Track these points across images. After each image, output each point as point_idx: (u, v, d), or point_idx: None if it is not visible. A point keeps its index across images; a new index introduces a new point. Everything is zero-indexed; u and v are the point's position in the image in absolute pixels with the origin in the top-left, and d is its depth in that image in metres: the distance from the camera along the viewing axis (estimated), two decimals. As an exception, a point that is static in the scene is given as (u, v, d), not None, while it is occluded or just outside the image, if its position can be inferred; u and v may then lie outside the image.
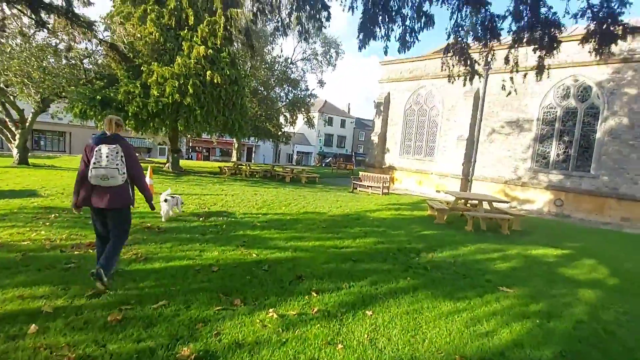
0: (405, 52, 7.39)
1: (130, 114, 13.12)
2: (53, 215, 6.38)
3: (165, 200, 6.75)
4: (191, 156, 41.51)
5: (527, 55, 15.41)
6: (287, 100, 25.89)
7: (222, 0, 14.08)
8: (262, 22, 6.57)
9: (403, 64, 18.99)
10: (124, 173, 3.45)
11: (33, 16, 6.94)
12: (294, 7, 6.45)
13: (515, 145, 15.25)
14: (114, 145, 3.41)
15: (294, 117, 26.90)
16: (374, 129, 20.15)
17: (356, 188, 15.81)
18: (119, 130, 3.62)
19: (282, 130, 26.75)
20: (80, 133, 34.46)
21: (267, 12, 6.60)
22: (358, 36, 6.94)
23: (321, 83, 25.60)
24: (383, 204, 11.82)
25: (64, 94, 13.50)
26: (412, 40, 6.96)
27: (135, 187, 3.74)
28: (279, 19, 6.73)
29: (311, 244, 6.00)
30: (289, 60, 24.87)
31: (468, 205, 10.65)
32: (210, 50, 14.30)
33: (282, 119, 26.17)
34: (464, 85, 9.74)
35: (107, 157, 3.33)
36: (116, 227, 3.61)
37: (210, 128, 15.43)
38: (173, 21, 14.65)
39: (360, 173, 16.35)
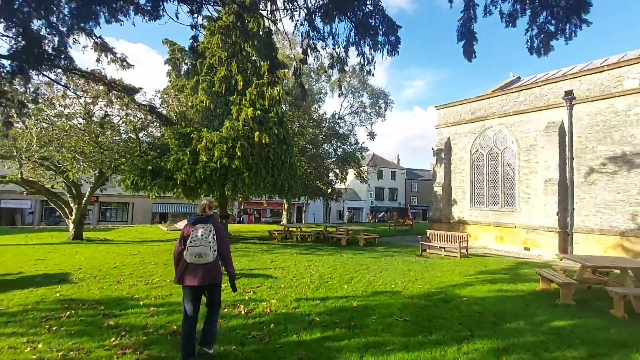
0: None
1: (178, 181, 12.68)
2: (67, 314, 5.17)
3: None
4: (242, 219, 41.66)
5: (621, 79, 13.00)
6: (337, 156, 25.05)
7: (269, 64, 13.94)
8: (313, 58, 5.42)
9: (462, 106, 17.28)
10: (214, 250, 3.70)
11: (66, 83, 6.79)
12: (353, 35, 5.16)
13: (628, 185, 12.11)
14: (208, 225, 3.73)
15: (344, 173, 25.77)
16: (436, 178, 18.01)
17: (425, 250, 13.40)
18: (211, 210, 3.92)
19: (333, 187, 25.56)
20: (142, 203, 36.41)
21: (317, 47, 5.41)
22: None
23: (372, 135, 24.61)
24: (469, 273, 9.33)
25: (122, 166, 13.63)
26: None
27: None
28: (334, 52, 5.51)
29: (398, 357, 3.98)
30: (337, 116, 24.53)
31: (597, 274, 7.80)
32: (258, 112, 13.94)
33: (331, 176, 25.16)
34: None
35: (201, 235, 3.65)
36: (210, 301, 3.82)
37: (259, 190, 14.56)
38: (223, 88, 14.79)
39: (428, 231, 14.01)
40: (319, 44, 5.27)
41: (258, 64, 16.28)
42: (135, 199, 35.49)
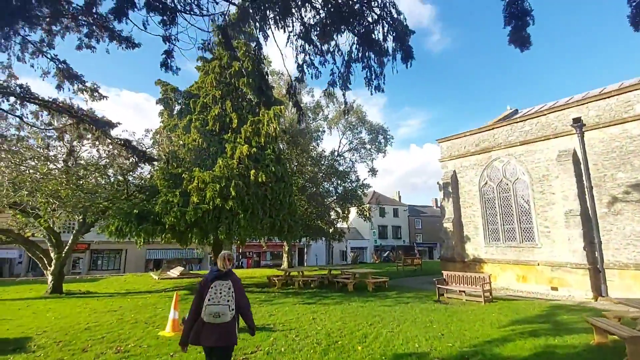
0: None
1: (167, 225, 11.58)
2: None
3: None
4: (241, 263, 39.68)
5: (631, 103, 12.48)
6: (337, 194, 24.11)
7: (264, 100, 13.44)
8: (310, 75, 4.64)
9: (465, 138, 16.68)
10: (233, 309, 3.50)
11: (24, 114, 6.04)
12: (356, 48, 4.40)
13: (659, 215, 11.08)
14: (227, 281, 3.53)
15: (346, 212, 24.68)
16: (445, 214, 16.94)
17: (443, 294, 11.98)
18: (231, 263, 3.73)
19: (335, 226, 24.31)
20: (135, 250, 34.65)
21: (315, 63, 4.64)
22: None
23: (373, 171, 23.84)
24: (502, 323, 7.96)
25: (109, 212, 12.57)
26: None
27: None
28: (334, 68, 4.75)
29: None
30: (336, 153, 23.96)
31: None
32: (254, 149, 13.21)
33: (333, 215, 24.04)
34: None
35: (220, 293, 3.45)
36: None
37: (256, 232, 13.40)
38: (217, 126, 14.21)
39: (444, 272, 12.68)
40: (317, 60, 4.52)
41: (253, 102, 15.89)
42: (128, 245, 33.80)
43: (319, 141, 23.34)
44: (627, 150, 11.79)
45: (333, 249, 44.91)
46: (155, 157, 11.55)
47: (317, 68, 4.51)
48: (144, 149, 12.96)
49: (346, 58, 4.31)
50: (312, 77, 4.64)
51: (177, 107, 15.47)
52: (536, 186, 13.90)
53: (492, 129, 15.58)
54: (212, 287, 3.46)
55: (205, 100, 14.71)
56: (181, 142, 13.26)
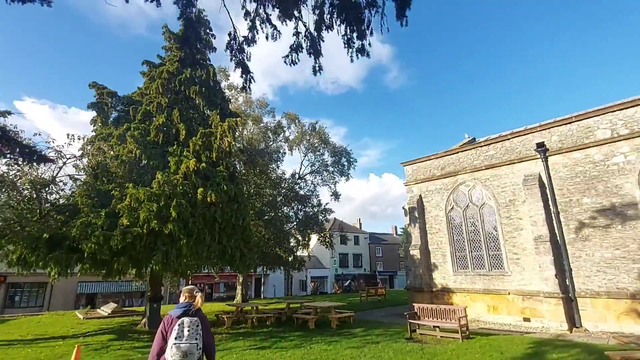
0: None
1: (85, 254, 9.30)
2: None
3: None
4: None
5: (592, 129, 12.68)
6: (298, 220, 22.53)
7: (218, 112, 11.94)
8: (266, 36, 3.32)
9: (430, 161, 16.23)
10: (200, 348, 3.31)
11: None
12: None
13: (625, 239, 10.88)
14: (195, 318, 3.35)
15: (307, 239, 23.07)
16: (411, 240, 16.03)
17: (415, 330, 10.69)
18: (194, 300, 3.48)
19: (295, 254, 22.50)
20: (63, 283, 29.80)
21: (272, 19, 3.34)
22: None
23: (336, 195, 22.64)
24: (491, 368, 6.76)
25: (7, 236, 9.95)
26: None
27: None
28: (299, 27, 3.45)
29: None
30: (297, 176, 22.60)
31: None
32: (203, 164, 11.49)
33: (293, 242, 22.30)
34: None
35: (188, 331, 3.25)
36: None
37: (201, 261, 11.37)
38: (161, 137, 12.37)
39: (416, 305, 11.46)
40: (274, 14, 3.22)
41: (206, 114, 14.30)
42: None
43: (279, 162, 21.98)
44: (590, 175, 11.74)
45: (292, 279, 42.46)
46: (51, 158, 9.42)
47: (274, 26, 3.23)
48: (64, 155, 10.78)
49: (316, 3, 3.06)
50: (268, 38, 3.35)
51: (114, 115, 13.42)
52: (503, 211, 13.48)
53: (458, 152, 15.26)
54: (178, 325, 3.27)
55: (148, 108, 12.88)
56: (114, 154, 11.19)
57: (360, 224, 57.19)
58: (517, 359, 7.43)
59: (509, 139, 13.71)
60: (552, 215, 12.17)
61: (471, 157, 14.75)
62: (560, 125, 12.64)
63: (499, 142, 14.00)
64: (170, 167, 11.28)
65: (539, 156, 12.70)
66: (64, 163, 10.85)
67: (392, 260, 56.76)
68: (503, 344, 9.04)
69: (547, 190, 12.41)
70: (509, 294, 12.78)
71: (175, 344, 3.20)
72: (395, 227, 64.72)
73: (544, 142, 12.83)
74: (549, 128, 12.90)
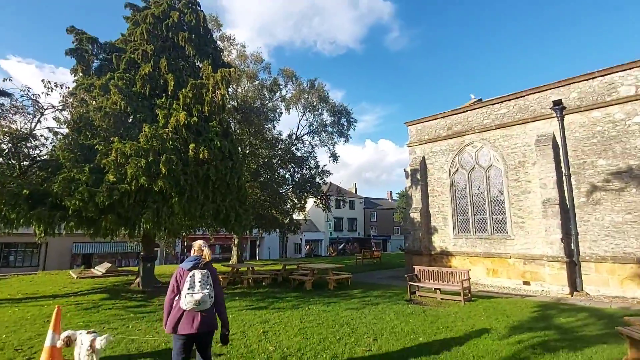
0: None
1: (70, 211, 8.67)
2: None
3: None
4: (185, 257, 36.15)
5: (615, 85, 11.82)
6: (294, 182, 21.94)
7: (210, 62, 10.84)
8: None
9: (436, 121, 15.41)
10: (212, 297, 3.53)
11: None
12: None
13: (639, 203, 10.47)
14: (205, 271, 3.56)
15: (303, 202, 22.63)
16: (412, 203, 15.60)
17: (415, 292, 10.48)
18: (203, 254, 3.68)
19: (291, 217, 22.17)
20: (58, 243, 29.78)
21: None
22: None
23: (334, 157, 21.85)
24: (500, 332, 6.45)
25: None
26: None
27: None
28: None
29: None
30: (294, 137, 21.69)
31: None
32: (194, 119, 10.61)
33: (289, 205, 21.85)
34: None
35: (199, 282, 3.46)
36: (203, 349, 3.63)
37: (194, 221, 10.84)
38: (147, 89, 11.33)
39: (416, 267, 11.19)
40: None
41: (196, 65, 13.14)
42: (49, 238, 28.94)
43: (275, 122, 20.93)
44: (609, 136, 11.08)
45: (287, 242, 42.84)
46: (6, 92, 8.53)
47: None
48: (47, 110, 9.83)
49: None
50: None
51: (96, 64, 12.22)
52: (511, 173, 12.93)
53: (466, 111, 14.41)
54: (190, 276, 3.48)
55: (133, 56, 11.70)
56: (97, 105, 10.22)
57: (355, 188, 57.10)
58: (524, 322, 7.17)
59: (523, 96, 12.85)
60: (564, 177, 11.65)
61: (481, 116, 13.94)
62: (581, 81, 11.76)
63: (512, 99, 13.14)
64: (159, 121, 10.39)
65: (554, 115, 11.94)
66: (42, 114, 9.90)
67: (386, 225, 57.43)
68: (507, 306, 8.83)
69: (561, 152, 11.80)
70: (510, 257, 12.57)
71: (188, 293, 3.41)
72: (391, 193, 64.94)
73: (561, 99, 12.01)
74: (569, 84, 12.02)
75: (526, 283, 12.17)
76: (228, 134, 11.93)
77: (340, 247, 47.44)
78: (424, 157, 15.64)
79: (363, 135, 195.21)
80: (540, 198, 11.94)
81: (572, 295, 10.80)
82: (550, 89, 12.36)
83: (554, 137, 12.00)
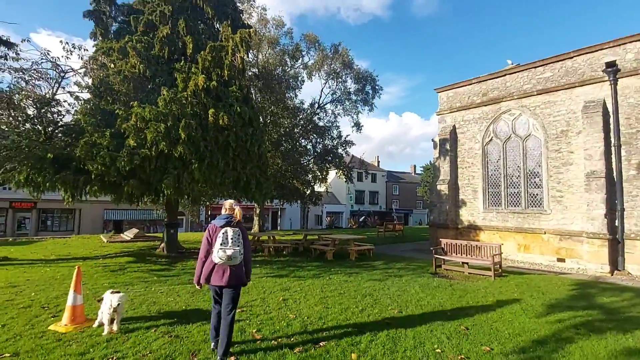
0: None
1: (93, 175, 8.69)
2: None
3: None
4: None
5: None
6: (316, 153, 21.48)
7: (229, 23, 10.26)
8: None
9: (470, 86, 14.30)
10: (242, 254, 3.73)
11: None
12: None
13: (699, 178, 9.38)
14: (237, 229, 3.75)
15: (325, 173, 22.24)
16: (439, 175, 14.88)
17: (441, 266, 10.09)
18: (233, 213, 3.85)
19: (312, 188, 21.95)
20: (91, 209, 31.31)
21: None
22: None
23: (358, 126, 21.06)
24: (537, 310, 5.99)
25: (16, 157, 9.40)
26: None
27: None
28: None
29: None
30: (316, 105, 21.00)
31: None
32: (214, 83, 10.22)
33: (310, 176, 21.55)
34: None
35: (231, 238, 3.65)
36: (229, 303, 3.72)
37: (215, 188, 10.73)
38: (166, 52, 10.96)
39: (443, 240, 10.72)
40: None
41: (215, 27, 12.57)
42: (82, 204, 30.19)
43: (297, 90, 20.23)
44: (669, 101, 9.83)
45: (308, 213, 43.12)
46: (11, 42, 8.38)
47: None
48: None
49: None
50: None
51: (115, 27, 11.91)
52: (552, 144, 11.91)
53: (504, 75, 13.23)
54: (222, 233, 3.64)
55: (151, 18, 11.28)
56: (116, 69, 10.00)
57: (378, 161, 56.06)
58: (563, 300, 6.65)
59: (571, 58, 11.56)
60: (612, 148, 10.58)
61: (521, 81, 12.76)
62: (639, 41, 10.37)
63: (558, 61, 11.87)
64: (178, 85, 10.08)
65: (606, 78, 10.70)
66: (62, 77, 9.79)
67: (408, 199, 56.55)
68: (541, 283, 8.29)
69: (611, 119, 10.65)
70: (545, 233, 11.84)
71: (221, 248, 3.59)
72: (415, 166, 63.40)
73: (615, 60, 10.70)
74: (625, 44, 10.65)
75: (560, 260, 11.49)
76: (248, 99, 11.51)
77: (361, 219, 47.29)
78: (454, 126, 14.69)
79: (387, 108, 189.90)
80: (584, 170, 10.97)
81: (612, 275, 10.07)
82: (603, 49, 11.01)
83: (604, 103, 10.81)
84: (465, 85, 14.36)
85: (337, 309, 5.83)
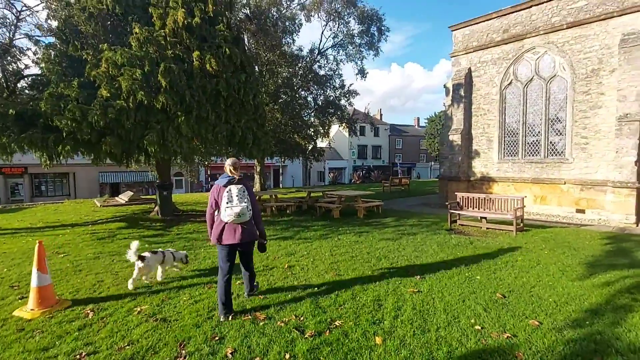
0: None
1: (65, 133, 7.63)
2: None
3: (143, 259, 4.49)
4: (212, 185, 36.54)
5: None
6: (317, 106, 20.04)
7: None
8: None
9: (490, 22, 12.64)
10: (250, 210, 3.70)
11: None
12: None
13: None
14: (241, 186, 3.70)
15: (327, 127, 20.97)
16: (452, 124, 13.72)
17: (455, 221, 9.38)
18: (237, 171, 3.78)
19: (315, 143, 20.82)
20: (85, 172, 30.45)
21: None
22: None
23: (362, 73, 19.33)
24: (576, 271, 5.28)
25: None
26: None
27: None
28: None
29: None
30: (316, 52, 19.11)
31: None
32: (196, 19, 8.74)
33: (311, 131, 20.30)
34: None
35: (237, 196, 3.62)
36: (246, 258, 4.01)
37: (207, 144, 9.69)
38: (139, -15, 9.28)
39: (458, 194, 9.91)
40: None
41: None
42: (75, 167, 29.31)
43: (294, 35, 18.28)
44: None
45: (310, 170, 42.36)
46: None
47: None
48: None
49: None
50: None
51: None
52: (580, 84, 10.65)
53: (530, 6, 11.53)
54: (227, 192, 3.61)
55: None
56: (80, 6, 8.46)
57: (380, 114, 54.19)
58: (600, 258, 5.95)
59: (612, -19, 9.91)
60: (650, 87, 9.38)
61: (549, 12, 11.14)
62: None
63: (596, -14, 10.21)
64: (155, 23, 8.61)
65: (653, 3, 9.19)
66: (18, 18, 8.32)
67: (411, 152, 55.52)
68: (568, 237, 7.60)
69: (653, 53, 9.32)
70: (565, 183, 11.02)
71: (227, 207, 3.58)
72: (418, 119, 61.50)
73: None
74: (680, -41, 8.98)
75: (580, 211, 10.80)
76: (239, 41, 10.03)
77: (364, 172, 46.55)
78: (469, 69, 13.25)
79: (389, 59, 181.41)
80: (615, 114, 9.85)
81: (637, 225, 9.40)
82: (654, -34, 9.33)
83: (647, 34, 9.39)
84: (484, 21, 12.67)
85: (350, 275, 5.13)
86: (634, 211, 9.47)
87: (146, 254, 4.58)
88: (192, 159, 11.64)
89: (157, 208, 11.02)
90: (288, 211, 12.08)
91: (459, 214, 9.33)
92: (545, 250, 6.53)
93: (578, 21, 10.55)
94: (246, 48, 11.06)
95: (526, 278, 4.92)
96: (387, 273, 5.23)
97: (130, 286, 4.50)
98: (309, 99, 20.48)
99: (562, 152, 11.24)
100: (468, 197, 9.60)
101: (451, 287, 4.60)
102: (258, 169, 19.72)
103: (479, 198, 9.38)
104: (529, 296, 4.26)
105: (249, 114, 9.89)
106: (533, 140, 11.90)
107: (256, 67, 16.63)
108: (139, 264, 4.46)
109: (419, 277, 5.01)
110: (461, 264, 5.62)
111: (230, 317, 3.61)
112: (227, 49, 8.87)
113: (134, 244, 4.45)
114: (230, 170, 3.73)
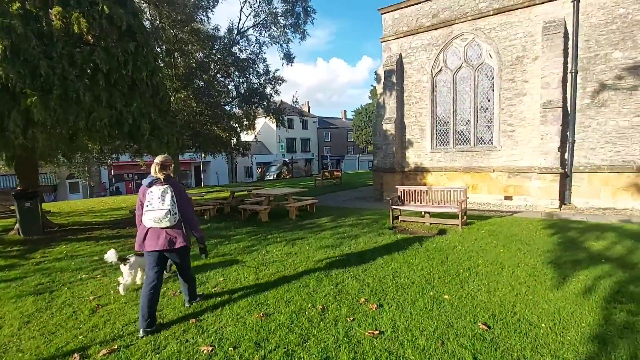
0: None
1: None
2: None
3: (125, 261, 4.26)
4: (117, 188, 31.58)
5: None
6: (240, 95, 17.92)
7: None
8: None
9: (419, 5, 12.11)
10: (175, 213, 3.38)
11: None
12: None
13: (652, 105, 8.93)
14: (165, 186, 3.38)
15: (252, 118, 18.99)
16: (385, 113, 13.03)
17: (398, 217, 8.53)
18: (166, 169, 3.46)
19: (239, 136, 18.69)
20: None
21: None
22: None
23: (288, 58, 17.62)
24: (543, 271, 4.57)
25: None
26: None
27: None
28: None
29: None
30: (235, 32, 16.86)
31: None
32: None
33: (234, 122, 18.12)
34: None
35: (158, 199, 3.31)
36: (180, 269, 3.67)
37: (80, 135, 7.20)
38: None
39: (399, 188, 9.08)
40: None
41: None
42: None
43: (208, 11, 15.84)
44: (632, 21, 8.91)
45: (237, 166, 39.59)
46: None
47: None
48: None
49: None
50: None
51: None
52: (506, 72, 10.66)
53: (459, -10, 11.23)
54: (148, 193, 3.34)
55: None
56: None
57: (308, 107, 53.29)
58: (559, 253, 5.45)
59: (534, -32, 9.94)
60: (569, 75, 9.65)
61: (476, -1, 10.94)
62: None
63: (520, -28, 10.18)
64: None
65: (570, -7, 9.38)
66: None
67: (340, 145, 55.98)
68: (511, 229, 7.21)
69: (570, 42, 9.58)
70: (494, 171, 11.06)
71: (147, 210, 3.31)
72: (345, 112, 62.28)
73: (579, -30, 9.34)
74: (591, -49, 9.25)
75: (508, 198, 10.93)
76: (125, 2, 7.64)
77: (273, 169, 42.52)
78: (400, 55, 12.63)
79: (314, 53, 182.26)
80: (539, 101, 10.00)
81: (560, 209, 9.69)
82: (570, -44, 9.52)
83: (565, 23, 9.61)
84: (414, 4, 12.10)
85: (283, 313, 3.65)
86: (557, 196, 9.73)
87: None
88: (56, 157, 8.82)
89: (17, 225, 8.08)
90: (206, 217, 10.10)
91: (400, 209, 8.49)
92: (499, 247, 5.89)
93: (503, 7, 10.49)
94: (138, 13, 8.62)
95: (501, 293, 4.01)
96: (333, 302, 3.88)
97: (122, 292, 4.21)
98: (229, 86, 18.25)
99: (490, 140, 11.25)
100: (409, 191, 8.82)
101: (419, 318, 3.43)
102: (172, 167, 16.90)
103: (421, 191, 8.66)
104: (516, 323, 3.29)
105: (145, 97, 7.64)
106: (463, 129, 11.77)
107: (161, 44, 13.94)
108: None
109: (374, 306, 3.76)
110: (420, 278, 4.56)
111: (149, 333, 3.16)
112: (105, 7, 6.53)
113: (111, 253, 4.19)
114: (154, 169, 3.39)
